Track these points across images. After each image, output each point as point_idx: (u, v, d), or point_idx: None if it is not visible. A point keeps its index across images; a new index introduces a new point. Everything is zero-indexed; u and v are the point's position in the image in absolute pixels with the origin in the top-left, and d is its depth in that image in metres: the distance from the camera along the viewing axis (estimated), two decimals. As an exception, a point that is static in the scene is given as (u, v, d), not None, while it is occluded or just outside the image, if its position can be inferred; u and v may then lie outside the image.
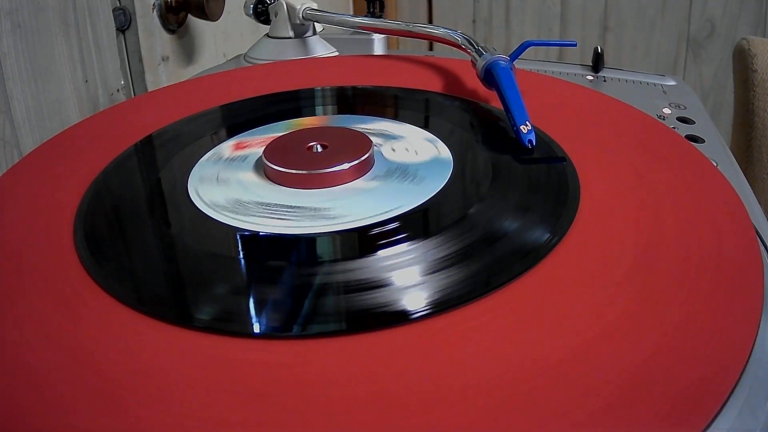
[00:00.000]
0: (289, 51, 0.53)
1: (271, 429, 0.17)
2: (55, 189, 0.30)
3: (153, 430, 0.17)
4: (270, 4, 0.55)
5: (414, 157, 0.30)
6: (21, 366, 0.20)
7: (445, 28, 0.43)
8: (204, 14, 0.62)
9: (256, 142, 0.32)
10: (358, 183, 0.28)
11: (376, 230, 0.25)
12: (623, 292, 0.21)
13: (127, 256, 0.25)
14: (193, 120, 0.36)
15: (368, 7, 0.65)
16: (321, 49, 0.54)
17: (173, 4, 0.62)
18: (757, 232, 0.26)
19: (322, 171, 0.28)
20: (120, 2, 0.58)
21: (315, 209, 0.26)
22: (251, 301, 0.22)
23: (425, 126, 0.33)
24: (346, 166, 0.28)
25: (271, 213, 0.26)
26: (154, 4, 0.61)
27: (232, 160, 0.31)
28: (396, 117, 0.35)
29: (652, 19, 1.08)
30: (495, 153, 0.30)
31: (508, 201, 0.26)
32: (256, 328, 0.20)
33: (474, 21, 1.18)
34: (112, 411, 0.18)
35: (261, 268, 0.24)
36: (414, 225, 0.25)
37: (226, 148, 0.32)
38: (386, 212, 0.26)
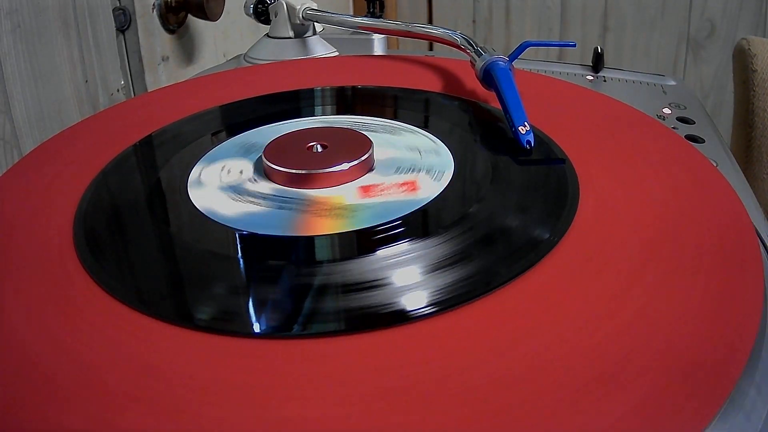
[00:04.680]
0: (289, 51, 0.53)
1: (270, 429, 0.17)
2: (55, 189, 0.30)
3: (152, 429, 0.17)
4: (270, 4, 0.55)
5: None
6: (21, 366, 0.20)
7: (445, 29, 0.43)
8: (204, 14, 0.62)
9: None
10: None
11: (375, 230, 0.25)
12: (623, 292, 0.21)
13: (127, 256, 0.25)
14: (193, 120, 0.36)
15: (368, 7, 0.65)
16: (321, 49, 0.54)
17: (173, 4, 0.62)
18: (757, 232, 0.26)
19: (322, 171, 0.28)
20: (120, 2, 0.58)
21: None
22: (251, 300, 0.22)
23: (425, 126, 0.33)
24: (346, 166, 0.28)
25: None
26: (154, 4, 0.61)
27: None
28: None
29: (652, 19, 1.08)
30: (494, 153, 0.30)
31: (508, 201, 0.26)
32: (257, 328, 0.20)
33: (474, 21, 1.18)
34: (111, 411, 0.18)
35: (261, 268, 0.24)
36: (414, 225, 0.25)
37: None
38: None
